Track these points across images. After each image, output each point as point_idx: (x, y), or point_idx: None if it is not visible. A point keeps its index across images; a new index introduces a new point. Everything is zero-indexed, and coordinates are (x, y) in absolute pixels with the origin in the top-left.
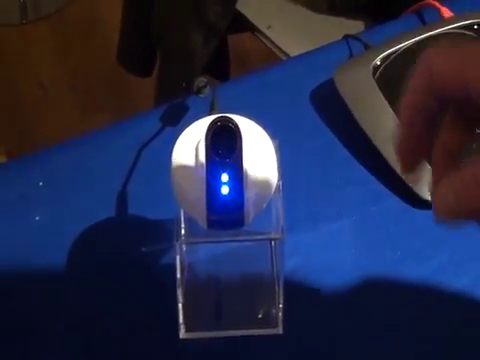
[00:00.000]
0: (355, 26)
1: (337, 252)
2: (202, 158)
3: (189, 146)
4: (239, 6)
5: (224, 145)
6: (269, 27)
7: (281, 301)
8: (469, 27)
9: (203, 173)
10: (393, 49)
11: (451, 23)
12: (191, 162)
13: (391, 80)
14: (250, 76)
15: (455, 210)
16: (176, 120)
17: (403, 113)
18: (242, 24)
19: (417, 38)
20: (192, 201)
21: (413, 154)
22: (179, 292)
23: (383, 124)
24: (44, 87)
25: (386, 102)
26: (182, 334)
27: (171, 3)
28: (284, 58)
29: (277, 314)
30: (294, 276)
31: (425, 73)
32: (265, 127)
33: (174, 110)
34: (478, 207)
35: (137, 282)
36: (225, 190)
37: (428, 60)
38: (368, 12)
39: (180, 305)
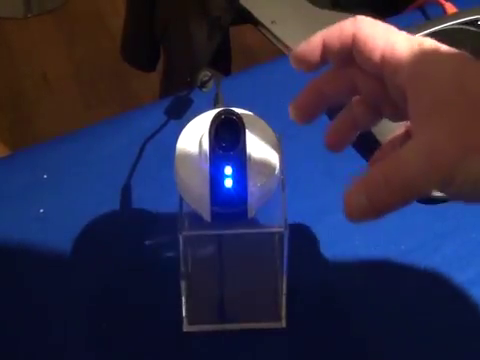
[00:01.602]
0: None
1: (341, 245)
2: (206, 151)
3: (193, 139)
4: (243, 1)
5: (228, 138)
6: (273, 22)
7: (284, 295)
8: (473, 23)
9: (207, 166)
10: None
11: (455, 19)
12: (195, 155)
13: None
14: (254, 70)
15: (369, 212)
16: (180, 113)
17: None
18: (246, 19)
19: (420, 34)
20: (195, 194)
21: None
22: (182, 285)
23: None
24: (48, 81)
25: None
26: (185, 327)
27: None
28: (288, 53)
29: (280, 308)
30: (298, 270)
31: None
32: (268, 121)
33: (178, 103)
34: (391, 206)
35: (140, 275)
36: (229, 183)
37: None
38: (372, 7)
39: (183, 298)
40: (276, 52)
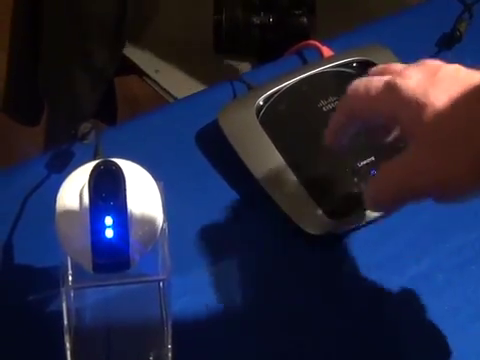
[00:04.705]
0: (243, 67)
1: (225, 291)
2: (86, 203)
3: (73, 192)
4: (126, 51)
5: (108, 189)
6: (157, 71)
7: (170, 343)
8: (348, 65)
9: (87, 217)
10: (275, 89)
11: (331, 62)
12: (75, 207)
13: (274, 119)
14: (136, 120)
15: (376, 200)
16: (62, 167)
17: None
18: (130, 69)
19: (298, 77)
20: (77, 246)
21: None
22: (67, 338)
23: (268, 162)
24: None
25: (270, 141)
26: None
27: (57, 51)
28: (172, 101)
29: (166, 356)
30: (183, 317)
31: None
32: (151, 170)
33: (59, 157)
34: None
35: (25, 331)
36: (109, 233)
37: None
38: (253, 52)
39: (68, 352)
40: (161, 101)
